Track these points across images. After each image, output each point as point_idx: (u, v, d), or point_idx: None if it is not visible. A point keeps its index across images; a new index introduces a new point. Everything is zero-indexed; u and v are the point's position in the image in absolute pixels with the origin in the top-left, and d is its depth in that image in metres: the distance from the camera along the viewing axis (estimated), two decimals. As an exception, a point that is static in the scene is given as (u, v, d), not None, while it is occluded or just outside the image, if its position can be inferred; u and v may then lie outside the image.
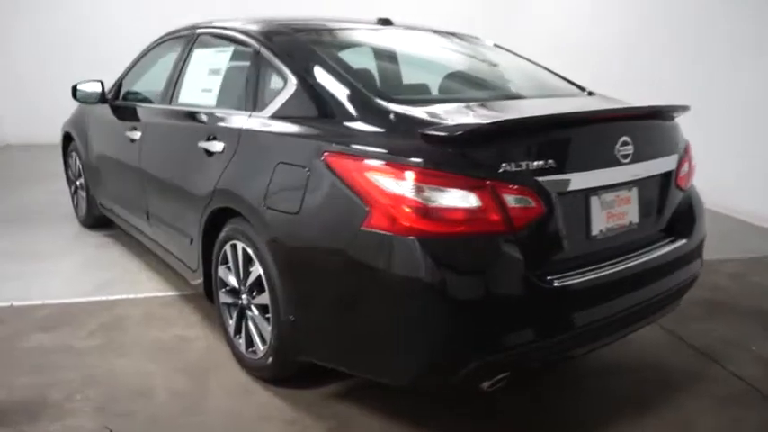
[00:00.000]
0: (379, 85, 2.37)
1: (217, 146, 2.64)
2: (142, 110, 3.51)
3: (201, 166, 2.74)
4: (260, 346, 2.51)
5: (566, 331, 2.04)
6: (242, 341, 2.63)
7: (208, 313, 3.23)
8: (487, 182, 1.89)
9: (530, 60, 3.09)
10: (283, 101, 2.43)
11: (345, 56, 2.57)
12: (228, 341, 2.75)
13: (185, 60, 3.24)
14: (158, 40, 3.75)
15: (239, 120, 2.60)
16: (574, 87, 2.89)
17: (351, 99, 2.25)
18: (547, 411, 2.46)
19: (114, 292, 3.52)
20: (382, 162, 1.95)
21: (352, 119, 2.19)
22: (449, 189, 1.87)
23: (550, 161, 1.99)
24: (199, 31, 3.26)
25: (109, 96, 4.02)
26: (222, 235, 2.64)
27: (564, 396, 2.56)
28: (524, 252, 1.93)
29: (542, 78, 2.90)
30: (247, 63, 2.74)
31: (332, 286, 2.10)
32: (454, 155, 1.91)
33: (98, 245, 4.40)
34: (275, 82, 2.56)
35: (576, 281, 2.03)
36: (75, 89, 3.99)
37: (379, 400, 2.46)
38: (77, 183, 4.69)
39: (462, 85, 2.73)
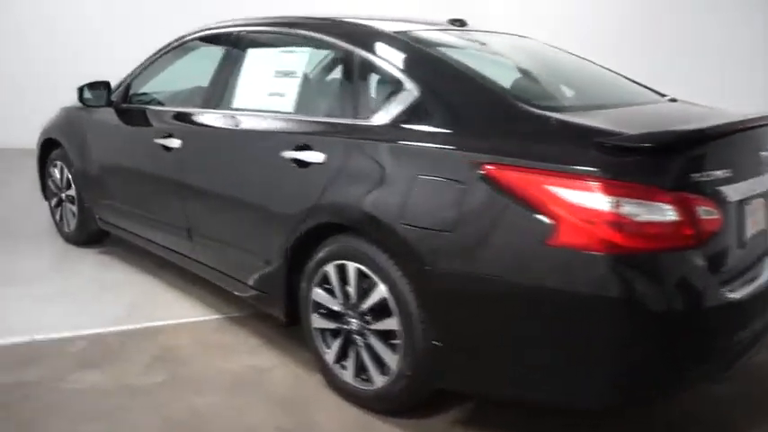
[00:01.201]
0: (515, 91, 2.22)
1: (314, 156, 2.39)
2: (182, 115, 3.16)
3: (290, 178, 2.48)
4: (377, 375, 2.30)
5: (737, 344, 2.00)
6: (348, 370, 2.40)
7: (269, 338, 2.95)
8: (682, 194, 1.80)
9: (596, 63, 3.03)
10: (402, 108, 2.23)
11: (459, 59, 2.39)
12: (324, 369, 2.51)
13: (236, 61, 2.93)
14: (182, 38, 3.39)
15: (342, 128, 2.37)
16: (655, 93, 2.86)
17: (496, 105, 2.10)
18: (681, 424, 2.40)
19: (149, 318, 3.15)
20: (564, 173, 1.82)
21: (503, 127, 2.04)
22: (645, 202, 1.77)
23: (726, 170, 1.93)
24: (250, 29, 2.97)
25: (114, 99, 3.61)
26: (321, 254, 2.40)
27: (689, 406, 2.52)
28: (709, 265, 1.87)
29: (628, 83, 2.86)
30: (338, 66, 2.52)
31: (501, 307, 1.94)
32: (641, 166, 1.81)
33: (99, 263, 3.94)
34: (384, 87, 2.35)
35: (745, 291, 1.99)
36: (82, 91, 3.56)
37: (505, 422, 2.33)
38: (63, 195, 4.19)
39: (577, 90, 2.62)
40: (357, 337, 2.36)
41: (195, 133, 3.00)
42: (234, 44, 2.98)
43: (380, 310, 2.24)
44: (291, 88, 2.63)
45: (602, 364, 1.84)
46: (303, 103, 2.64)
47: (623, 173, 1.79)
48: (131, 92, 3.62)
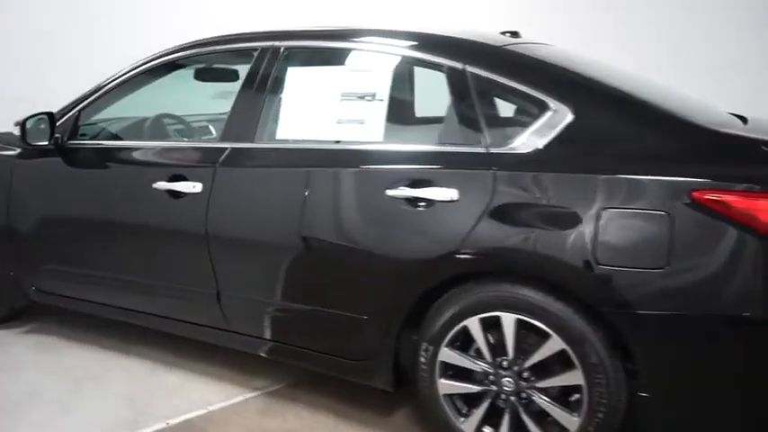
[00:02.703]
0: (672, 107, 2.05)
1: (440, 193, 2.02)
2: (196, 151, 2.53)
3: (403, 221, 2.07)
4: (544, 440, 2.00)
5: None
6: (500, 439, 2.06)
7: (338, 411, 2.47)
8: None
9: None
10: (556, 133, 1.95)
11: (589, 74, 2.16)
12: (460, 441, 2.13)
13: (274, 83, 2.41)
14: (160, 57, 2.71)
15: (473, 158, 2.03)
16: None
17: (674, 123, 1.93)
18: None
19: (169, 412, 2.46)
20: None
21: (696, 148, 1.88)
22: None
23: None
24: (285, 44, 2.45)
25: (58, 135, 2.81)
26: (457, 308, 2.03)
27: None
28: None
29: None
30: (441, 86, 2.16)
31: (737, 347, 1.76)
32: None
33: (43, 348, 3.02)
34: (519, 110, 2.07)
35: None
36: (25, 128, 2.70)
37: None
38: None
39: (694, 105, 2.47)
40: (512, 398, 2.03)
41: (231, 174, 2.41)
42: (252, 63, 2.45)
43: (551, 365, 1.95)
44: (375, 114, 2.21)
45: None
46: (399, 132, 2.25)
47: None
48: (83, 124, 2.86)
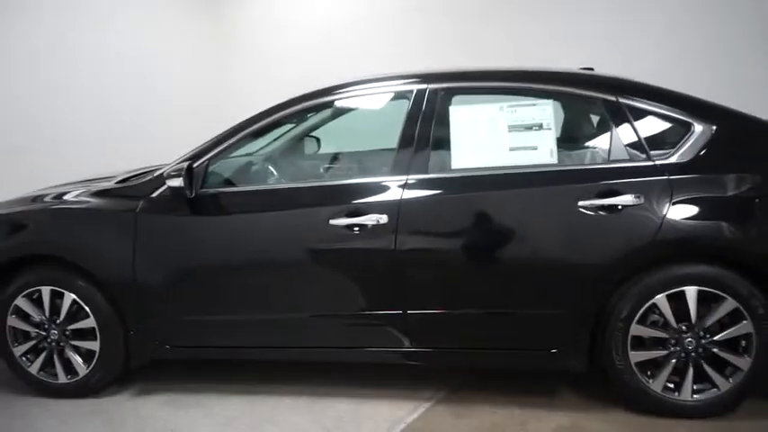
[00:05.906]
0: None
1: (628, 199, 2.52)
2: (377, 186, 2.76)
3: (598, 225, 2.55)
4: (722, 380, 2.55)
5: None
6: (685, 388, 2.58)
7: (514, 401, 2.82)
8: None
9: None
10: (706, 145, 2.56)
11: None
12: (650, 400, 2.62)
13: (438, 120, 2.76)
14: (302, 102, 2.94)
15: (646, 169, 2.56)
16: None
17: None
18: None
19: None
20: None
21: None
22: None
23: None
24: (438, 86, 2.81)
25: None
26: (643, 290, 2.55)
27: None
28: None
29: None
30: (600, 115, 2.71)
31: None
32: None
33: (169, 403, 2.93)
34: (668, 130, 2.66)
35: None
36: (192, 176, 2.75)
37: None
38: (53, 334, 2.96)
39: None
40: (692, 354, 2.58)
41: (416, 203, 2.67)
42: (433, 102, 2.78)
43: (723, 322, 2.55)
44: (546, 141, 2.65)
45: None
46: (568, 154, 2.71)
47: None
48: (215, 171, 2.94)
